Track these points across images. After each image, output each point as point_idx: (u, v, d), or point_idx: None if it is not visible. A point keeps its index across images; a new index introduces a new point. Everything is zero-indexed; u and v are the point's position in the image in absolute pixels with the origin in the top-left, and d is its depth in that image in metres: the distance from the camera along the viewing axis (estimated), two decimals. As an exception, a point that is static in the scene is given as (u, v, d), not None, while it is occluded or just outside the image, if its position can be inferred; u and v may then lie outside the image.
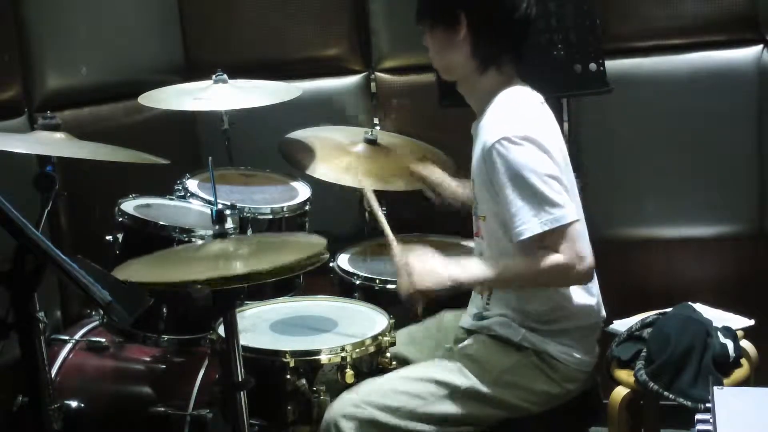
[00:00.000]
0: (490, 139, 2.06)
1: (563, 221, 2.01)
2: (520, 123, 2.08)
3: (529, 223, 2.01)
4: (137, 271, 2.01)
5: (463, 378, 2.12)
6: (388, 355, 2.21)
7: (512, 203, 2.03)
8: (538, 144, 2.05)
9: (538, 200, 2.01)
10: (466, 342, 2.26)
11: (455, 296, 2.48)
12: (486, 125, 2.14)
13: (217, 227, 2.03)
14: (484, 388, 2.12)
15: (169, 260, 2.15)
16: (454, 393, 2.11)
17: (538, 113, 2.17)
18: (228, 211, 2.06)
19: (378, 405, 2.06)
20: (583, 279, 2.09)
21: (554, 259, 2.02)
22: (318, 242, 2.08)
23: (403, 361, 2.29)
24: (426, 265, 2.08)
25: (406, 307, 2.17)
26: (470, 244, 2.73)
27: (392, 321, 2.28)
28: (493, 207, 2.13)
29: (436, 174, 2.70)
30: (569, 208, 2.03)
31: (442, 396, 2.10)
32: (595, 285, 2.21)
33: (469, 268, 2.12)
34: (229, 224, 2.08)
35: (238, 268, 1.91)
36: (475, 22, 2.13)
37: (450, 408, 2.10)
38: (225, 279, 1.85)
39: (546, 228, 2.01)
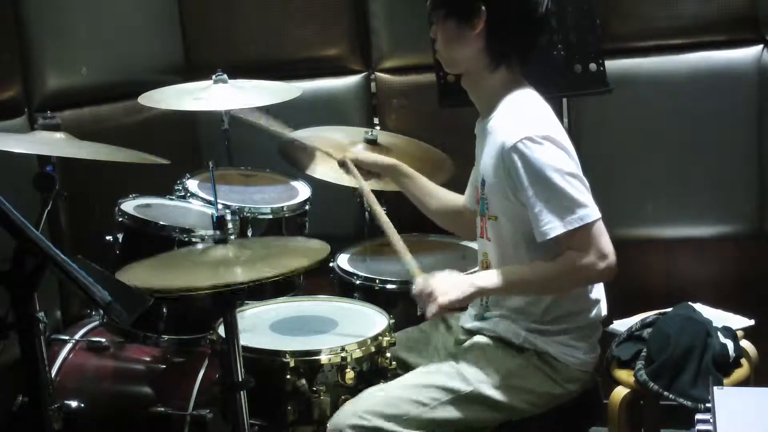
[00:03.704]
0: (510, 139, 2.03)
1: (587, 220, 2.01)
2: (539, 123, 2.07)
3: (554, 223, 2.01)
4: (139, 275, 2.00)
5: (465, 383, 2.11)
6: (388, 355, 2.21)
7: (536, 203, 2.02)
8: (558, 143, 2.04)
9: (562, 200, 2.00)
10: (466, 345, 2.25)
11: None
12: (500, 125, 2.11)
13: (218, 233, 2.03)
14: (486, 392, 2.11)
15: (171, 264, 2.14)
16: (457, 398, 2.10)
17: (552, 114, 2.16)
18: (229, 217, 2.05)
19: (382, 414, 2.04)
20: (606, 277, 2.08)
21: (578, 258, 2.01)
22: (322, 248, 2.09)
23: (402, 364, 2.28)
24: (447, 281, 2.08)
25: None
26: (470, 244, 2.73)
27: (392, 321, 2.28)
28: (506, 208, 2.12)
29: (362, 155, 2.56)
30: (592, 206, 2.03)
31: (446, 401, 2.09)
32: (596, 284, 2.21)
33: (491, 275, 2.11)
34: (229, 227, 2.08)
35: (241, 275, 1.92)
36: (496, 17, 2.09)
37: (453, 413, 2.09)
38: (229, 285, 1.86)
39: (570, 227, 2.00)
